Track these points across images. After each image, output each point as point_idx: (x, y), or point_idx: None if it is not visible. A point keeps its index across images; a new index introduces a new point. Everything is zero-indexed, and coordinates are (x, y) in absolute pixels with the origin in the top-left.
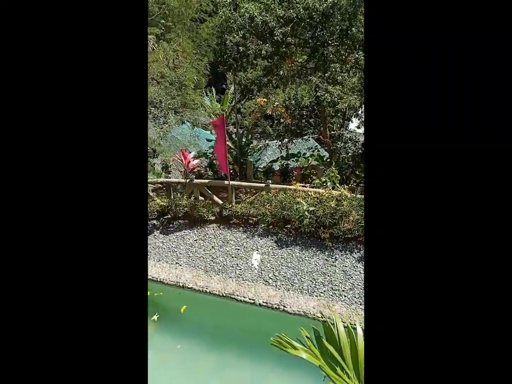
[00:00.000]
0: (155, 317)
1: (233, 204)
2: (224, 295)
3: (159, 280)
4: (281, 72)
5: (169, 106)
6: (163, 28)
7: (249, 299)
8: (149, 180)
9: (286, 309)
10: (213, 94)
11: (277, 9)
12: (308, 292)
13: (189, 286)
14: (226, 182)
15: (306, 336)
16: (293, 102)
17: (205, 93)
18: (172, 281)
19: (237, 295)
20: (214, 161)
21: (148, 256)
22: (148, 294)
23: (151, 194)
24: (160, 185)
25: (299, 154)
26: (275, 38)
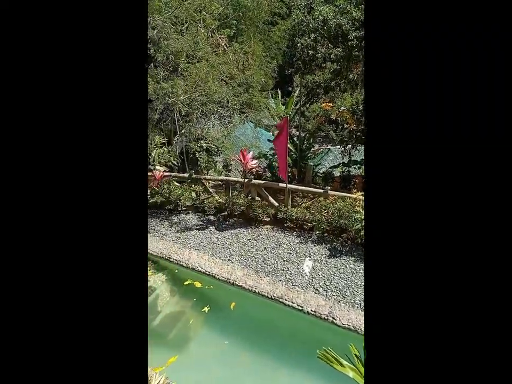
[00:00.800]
0: (206, 309)
1: (289, 207)
2: (273, 297)
3: (211, 274)
4: (351, 76)
5: (235, 106)
6: (235, 30)
7: (298, 305)
8: (209, 177)
9: (335, 321)
10: (278, 96)
11: (353, 12)
12: (360, 306)
13: (239, 284)
14: (283, 185)
15: (355, 355)
16: (360, 107)
17: (270, 95)
18: (223, 277)
19: (285, 300)
20: (273, 162)
21: (203, 250)
22: (200, 285)
23: (210, 190)
24: (220, 182)
25: (362, 162)
26: (349, 42)
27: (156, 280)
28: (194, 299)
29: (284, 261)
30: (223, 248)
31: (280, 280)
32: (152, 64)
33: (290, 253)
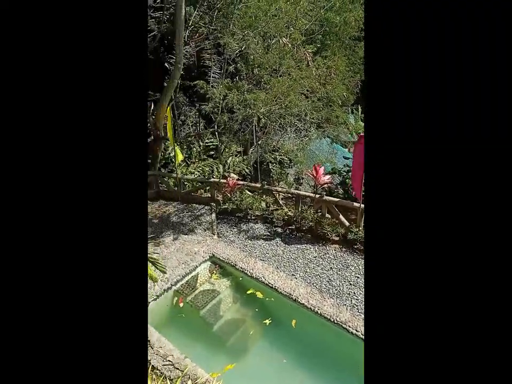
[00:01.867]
0: (267, 321)
1: (360, 228)
2: (336, 322)
3: (274, 287)
4: None
5: (313, 120)
6: (320, 45)
7: (362, 334)
8: (280, 189)
9: None
10: (358, 113)
11: None
12: None
13: (301, 302)
14: (357, 204)
15: None
16: None
17: (350, 111)
18: (285, 292)
19: (349, 326)
20: (347, 180)
21: (267, 262)
22: (261, 296)
23: (280, 202)
24: (290, 195)
25: None
26: None
27: (220, 284)
28: (256, 309)
29: (350, 284)
30: (288, 262)
31: (345, 305)
32: (237, 77)
33: (358, 277)
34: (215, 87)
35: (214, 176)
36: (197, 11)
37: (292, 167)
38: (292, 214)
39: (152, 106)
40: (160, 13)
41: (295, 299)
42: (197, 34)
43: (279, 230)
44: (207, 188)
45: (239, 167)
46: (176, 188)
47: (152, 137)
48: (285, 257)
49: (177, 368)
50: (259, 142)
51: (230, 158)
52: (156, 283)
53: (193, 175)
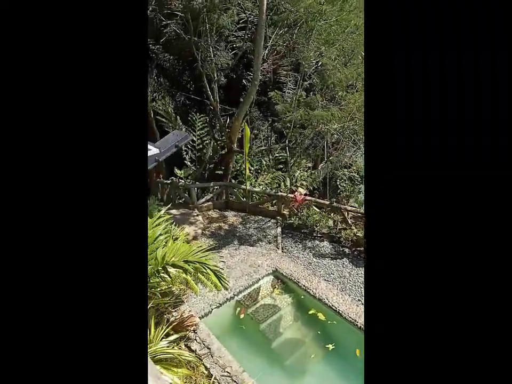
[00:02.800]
0: (330, 346)
1: None
2: None
3: (337, 310)
4: None
5: None
6: None
7: None
8: (350, 208)
9: None
10: None
11: None
12: None
13: None
14: None
15: None
16: None
17: None
18: (350, 317)
19: None
20: None
21: (332, 283)
22: (323, 318)
23: (349, 221)
24: (360, 214)
25: None
26: None
27: (282, 300)
28: (318, 332)
29: None
30: (354, 285)
31: None
32: (312, 92)
33: None
34: (288, 103)
35: (281, 190)
36: (277, 29)
37: (363, 184)
38: (361, 235)
39: (228, 120)
40: (243, 32)
41: (360, 326)
42: (275, 51)
43: (347, 250)
44: (274, 201)
45: (306, 181)
46: (244, 199)
47: (225, 149)
48: (351, 279)
49: (235, 382)
50: (330, 158)
51: (298, 171)
52: (219, 291)
53: (261, 187)
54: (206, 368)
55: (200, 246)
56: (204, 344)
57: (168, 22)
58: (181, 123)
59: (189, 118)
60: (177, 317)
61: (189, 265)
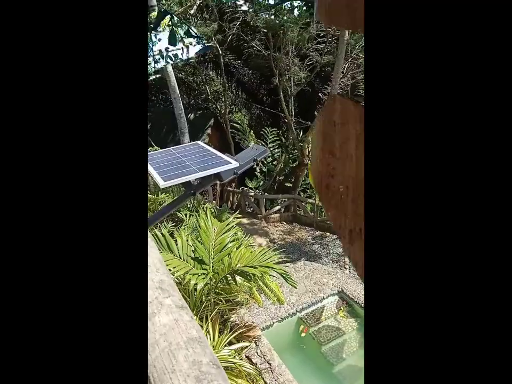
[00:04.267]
0: None
1: None
2: None
3: None
4: None
5: None
6: None
7: None
8: None
9: None
10: None
11: None
12: None
13: None
14: None
15: None
16: None
17: None
18: None
19: None
20: None
21: None
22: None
23: None
24: None
25: None
26: None
27: (346, 324)
28: None
29: None
30: None
31: None
32: None
33: None
34: None
35: None
36: (360, 42)
37: None
38: None
39: (302, 133)
40: (323, 46)
41: None
42: (355, 64)
43: None
44: None
45: None
46: (312, 214)
47: (297, 162)
48: None
49: None
50: None
51: None
52: (282, 305)
53: None
54: (265, 383)
55: (265, 254)
56: (264, 358)
57: (250, 38)
58: (254, 135)
59: (262, 132)
60: (240, 326)
61: (256, 268)
